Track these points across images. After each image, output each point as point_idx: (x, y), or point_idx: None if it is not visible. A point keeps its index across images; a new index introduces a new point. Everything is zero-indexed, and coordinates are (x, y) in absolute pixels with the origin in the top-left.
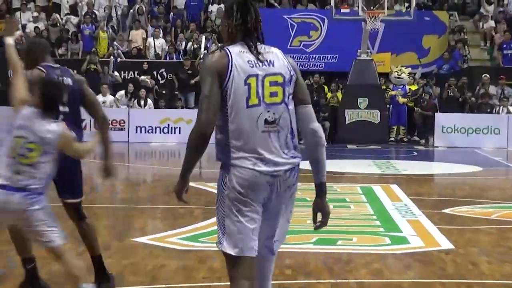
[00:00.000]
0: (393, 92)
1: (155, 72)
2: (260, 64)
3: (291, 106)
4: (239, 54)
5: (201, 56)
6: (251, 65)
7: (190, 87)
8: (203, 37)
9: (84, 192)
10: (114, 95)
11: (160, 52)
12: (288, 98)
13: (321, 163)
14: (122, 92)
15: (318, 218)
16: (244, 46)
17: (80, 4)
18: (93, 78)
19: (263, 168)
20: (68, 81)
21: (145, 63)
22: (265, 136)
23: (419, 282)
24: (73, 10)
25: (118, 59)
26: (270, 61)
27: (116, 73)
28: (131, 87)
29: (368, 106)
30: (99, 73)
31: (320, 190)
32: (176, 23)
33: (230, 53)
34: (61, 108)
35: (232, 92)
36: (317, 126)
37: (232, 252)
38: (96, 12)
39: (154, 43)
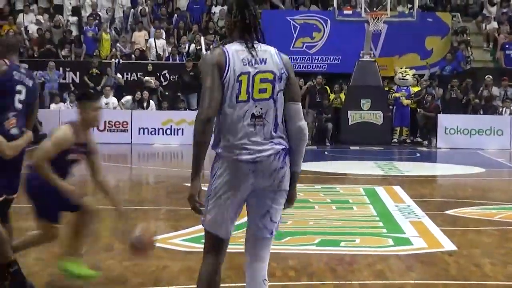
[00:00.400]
0: (397, 94)
1: (157, 74)
2: (253, 62)
3: (280, 102)
4: (235, 52)
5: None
6: (245, 63)
7: (192, 89)
8: (202, 39)
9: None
10: (116, 96)
11: (161, 53)
12: (277, 94)
13: (299, 155)
14: (129, 97)
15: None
16: (242, 44)
17: (82, 6)
18: (97, 82)
19: (245, 157)
20: (28, 82)
21: (149, 64)
22: (250, 128)
23: (422, 284)
24: (76, 11)
25: (121, 61)
26: (263, 59)
27: (118, 75)
28: (138, 95)
29: (371, 108)
30: (102, 76)
31: (295, 179)
32: (179, 25)
33: (228, 51)
34: (16, 106)
35: (225, 88)
36: (303, 124)
37: (210, 230)
38: (99, 13)
39: (155, 44)
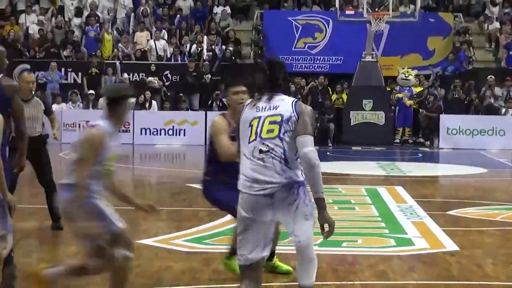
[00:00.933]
0: (399, 95)
1: (160, 74)
2: (266, 108)
3: (288, 140)
4: (251, 104)
5: (204, 57)
6: (258, 110)
7: (194, 89)
8: (205, 38)
9: None
10: None
11: (162, 54)
12: (284, 134)
13: (314, 182)
14: (132, 99)
15: (325, 229)
16: (263, 96)
17: (84, 6)
18: (97, 81)
19: (256, 189)
20: None
21: (152, 65)
22: (259, 163)
23: (424, 284)
24: (78, 12)
25: (122, 61)
26: (275, 106)
27: (125, 75)
28: (141, 97)
29: (373, 108)
30: (101, 76)
31: (317, 205)
32: (181, 25)
33: (245, 106)
34: None
35: (240, 134)
36: (305, 151)
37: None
38: (99, 14)
39: (156, 45)
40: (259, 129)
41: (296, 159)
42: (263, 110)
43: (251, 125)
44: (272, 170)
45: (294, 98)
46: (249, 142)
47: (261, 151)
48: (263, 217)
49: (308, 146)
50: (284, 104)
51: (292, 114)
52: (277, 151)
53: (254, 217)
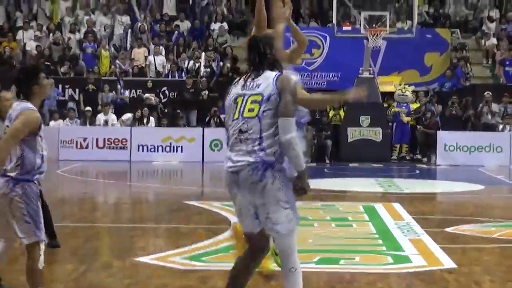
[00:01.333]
0: (396, 109)
1: (157, 90)
2: (250, 86)
3: (267, 118)
4: (239, 81)
5: (202, 74)
6: (243, 88)
7: (192, 106)
8: (203, 55)
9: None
10: (117, 114)
11: (160, 70)
12: (264, 112)
13: (295, 161)
14: (129, 115)
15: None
16: (251, 73)
17: (82, 23)
18: (94, 97)
19: (229, 165)
20: None
21: (149, 81)
22: (237, 141)
23: None
24: (75, 29)
25: (119, 78)
26: (258, 84)
27: (126, 93)
28: (139, 113)
29: (370, 124)
30: (98, 92)
31: (298, 173)
32: (179, 42)
33: (234, 83)
34: None
35: (226, 109)
36: (286, 138)
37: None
38: (97, 30)
39: (155, 61)
40: (242, 107)
41: (274, 136)
42: (248, 88)
43: (236, 103)
44: (244, 150)
45: (277, 73)
46: (232, 120)
47: (240, 131)
48: (235, 194)
49: (288, 132)
50: (266, 82)
51: (272, 92)
52: (254, 130)
53: (229, 193)
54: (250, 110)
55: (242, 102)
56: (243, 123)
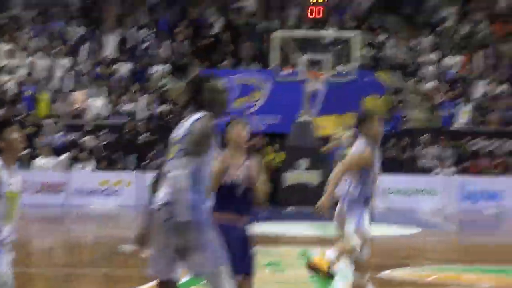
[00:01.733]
0: (325, 148)
1: (96, 133)
2: (181, 128)
3: (179, 159)
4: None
5: (142, 116)
6: (178, 129)
7: (131, 149)
8: (143, 97)
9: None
10: (56, 156)
11: (99, 113)
12: (178, 153)
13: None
14: (65, 155)
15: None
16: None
17: (20, 65)
18: (32, 141)
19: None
20: None
21: (89, 124)
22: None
23: None
24: (13, 71)
25: (60, 122)
26: (183, 126)
27: (68, 136)
28: (75, 152)
29: (307, 168)
30: (36, 135)
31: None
32: (119, 84)
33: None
34: None
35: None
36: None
37: None
38: (36, 73)
39: (94, 104)
40: (171, 149)
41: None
42: (181, 129)
43: (171, 144)
44: (163, 190)
45: (200, 116)
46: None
47: (167, 172)
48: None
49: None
50: (187, 123)
51: (186, 133)
52: (169, 170)
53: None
54: (173, 151)
55: (173, 146)
56: (168, 164)
